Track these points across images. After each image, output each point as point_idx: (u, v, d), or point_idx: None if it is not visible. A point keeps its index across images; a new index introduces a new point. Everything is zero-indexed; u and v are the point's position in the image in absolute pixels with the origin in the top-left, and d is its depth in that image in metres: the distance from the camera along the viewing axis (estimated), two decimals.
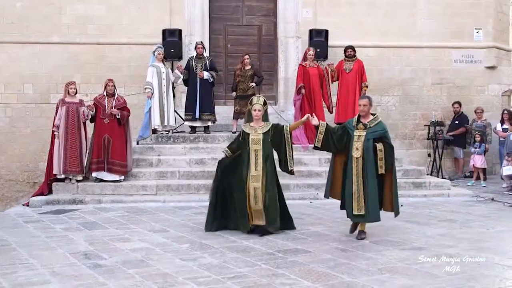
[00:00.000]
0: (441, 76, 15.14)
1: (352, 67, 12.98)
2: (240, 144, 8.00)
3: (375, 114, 7.75)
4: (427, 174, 13.14)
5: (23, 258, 6.77)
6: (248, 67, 12.96)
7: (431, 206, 10.39)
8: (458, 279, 5.75)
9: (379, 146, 7.43)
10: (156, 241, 7.58)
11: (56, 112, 11.15)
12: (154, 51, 12.52)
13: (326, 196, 8.07)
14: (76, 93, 11.26)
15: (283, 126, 8.03)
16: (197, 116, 12.72)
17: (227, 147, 8.27)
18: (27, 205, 10.71)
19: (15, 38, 13.91)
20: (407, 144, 15.03)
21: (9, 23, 13.91)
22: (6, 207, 12.52)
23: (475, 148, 13.91)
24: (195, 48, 13.02)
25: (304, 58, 13.12)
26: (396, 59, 14.99)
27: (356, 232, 7.77)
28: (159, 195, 10.88)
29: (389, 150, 7.49)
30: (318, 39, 14.07)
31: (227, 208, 8.07)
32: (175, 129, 13.15)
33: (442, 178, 13.40)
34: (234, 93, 13.03)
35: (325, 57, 14.00)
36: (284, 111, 14.22)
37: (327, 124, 7.87)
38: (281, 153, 7.97)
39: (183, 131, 13.13)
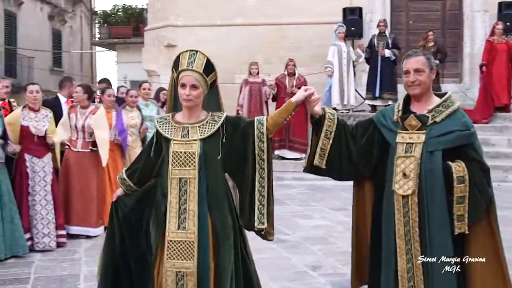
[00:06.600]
0: None
1: None
2: (150, 164, 3.48)
3: (446, 93, 3.45)
4: None
5: None
6: (431, 43, 12.52)
7: None
8: None
9: (459, 169, 3.23)
10: (337, 219, 7.62)
11: (240, 92, 11.59)
12: (336, 30, 12.51)
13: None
14: (258, 73, 11.61)
15: (253, 121, 3.57)
16: (377, 94, 12.55)
17: (125, 171, 3.61)
18: None
19: (202, 21, 14.59)
20: None
21: (197, 8, 14.61)
22: None
23: None
24: (377, 25, 12.83)
25: (492, 33, 12.39)
26: None
27: None
28: None
29: (479, 178, 3.26)
30: (509, 12, 13.16)
31: None
32: (355, 107, 13.09)
33: None
34: None
35: None
36: (469, 89, 13.54)
37: (338, 117, 3.58)
38: (244, 186, 3.47)
39: (363, 110, 13.01)
